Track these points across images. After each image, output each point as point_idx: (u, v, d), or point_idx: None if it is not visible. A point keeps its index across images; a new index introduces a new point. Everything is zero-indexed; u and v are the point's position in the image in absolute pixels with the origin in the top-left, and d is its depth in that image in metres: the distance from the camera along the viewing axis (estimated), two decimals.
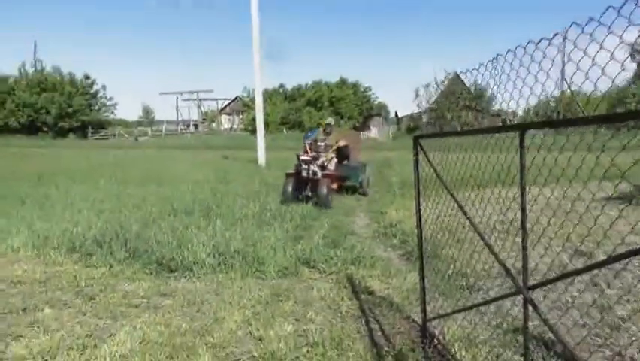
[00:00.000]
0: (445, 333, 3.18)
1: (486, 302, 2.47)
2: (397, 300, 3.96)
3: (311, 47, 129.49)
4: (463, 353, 2.96)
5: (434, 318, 3.18)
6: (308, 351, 3.08)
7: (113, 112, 57.19)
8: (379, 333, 3.38)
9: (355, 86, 61.73)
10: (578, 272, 1.66)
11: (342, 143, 10.22)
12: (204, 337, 3.26)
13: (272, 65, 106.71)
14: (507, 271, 2.03)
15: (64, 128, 49.24)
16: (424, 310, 3.30)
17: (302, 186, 9.08)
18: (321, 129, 10.79)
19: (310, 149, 9.99)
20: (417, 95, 43.44)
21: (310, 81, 61.85)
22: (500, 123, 2.94)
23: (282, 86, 62.98)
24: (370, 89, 62.55)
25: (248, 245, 5.26)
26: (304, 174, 8.94)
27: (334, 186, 9.71)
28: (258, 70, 18.65)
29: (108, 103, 55.50)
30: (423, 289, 3.31)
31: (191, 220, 6.77)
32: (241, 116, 61.90)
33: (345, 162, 10.75)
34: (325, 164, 9.62)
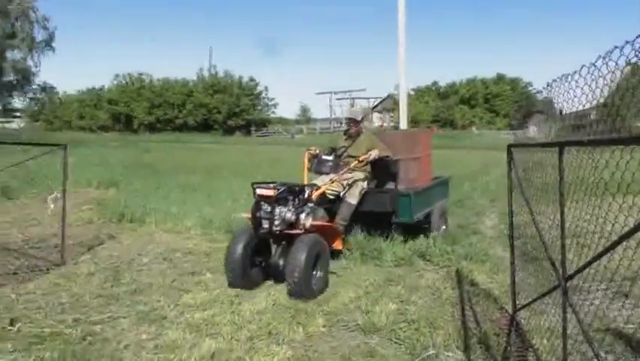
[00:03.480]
0: (531, 324, 3.49)
1: (547, 293, 2.77)
2: (497, 293, 4.30)
3: (468, 42, 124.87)
4: (544, 341, 3.26)
5: (521, 308, 3.51)
6: (404, 326, 3.64)
7: (273, 111, 62.21)
8: (471, 318, 3.79)
9: (514, 81, 58.41)
10: (608, 249, 1.90)
11: (374, 153, 5.55)
12: (322, 306, 4.01)
13: (425, 61, 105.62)
14: (552, 264, 2.39)
15: (231, 127, 54.93)
16: (514, 302, 3.65)
17: (266, 249, 4.58)
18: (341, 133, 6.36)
19: (310, 166, 5.68)
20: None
21: (465, 78, 60.12)
22: None
23: (434, 83, 62.34)
24: (531, 85, 58.58)
25: (372, 236, 5.90)
26: (265, 225, 4.39)
27: (337, 244, 5.08)
28: (403, 65, 19.01)
29: (270, 103, 60.51)
30: (513, 282, 3.66)
31: None
32: (391, 114, 62.70)
33: (392, 184, 5.83)
34: (341, 192, 5.48)
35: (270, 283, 4.62)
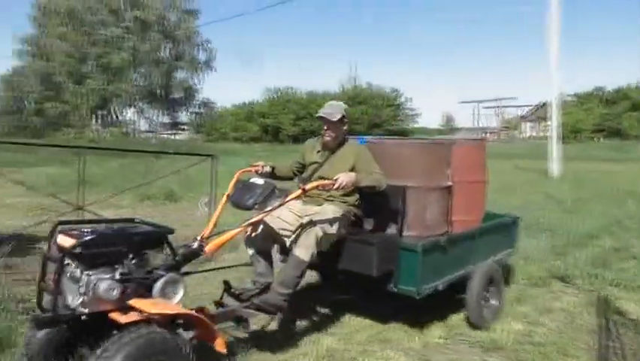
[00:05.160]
0: None
1: None
2: None
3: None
4: None
5: None
6: (529, 348, 3.45)
7: (416, 121, 61.73)
8: (611, 350, 3.46)
9: None
10: None
11: (343, 179, 3.17)
12: (442, 318, 3.92)
13: (589, 64, 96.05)
14: None
15: None
16: None
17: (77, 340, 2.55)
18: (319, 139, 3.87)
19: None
20: None
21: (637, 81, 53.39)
22: None
23: (598, 89, 56.58)
24: None
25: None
26: (64, 302, 2.40)
27: (220, 344, 2.60)
28: (555, 69, 17.70)
29: (411, 113, 60.19)
30: None
31: None
32: (547, 123, 58.27)
33: (393, 227, 3.67)
34: (290, 237, 3.37)
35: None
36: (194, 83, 38.67)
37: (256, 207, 3.11)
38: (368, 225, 3.78)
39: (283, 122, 58.88)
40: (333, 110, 3.60)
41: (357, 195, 3.58)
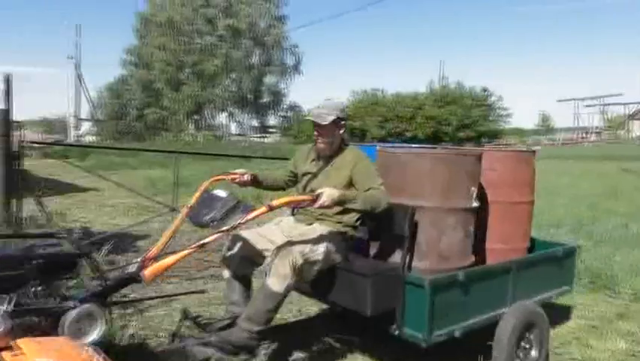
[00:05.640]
0: None
1: None
2: None
3: None
4: None
5: None
6: None
7: (508, 121, 58.89)
8: None
9: None
10: None
11: (326, 197, 2.55)
12: None
13: None
14: None
15: (461, 138, 53.76)
16: None
17: None
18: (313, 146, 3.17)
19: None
20: None
21: None
22: None
23: None
24: None
25: (607, 264, 5.19)
26: None
27: None
28: None
29: (503, 113, 57.54)
30: None
31: (557, 233, 6.95)
32: None
33: (396, 256, 2.92)
34: (268, 261, 2.78)
35: None
36: (282, 88, 39.76)
37: (213, 224, 2.74)
38: (374, 250, 3.14)
39: (369, 124, 58.75)
40: (324, 112, 2.94)
41: (352, 217, 2.94)
